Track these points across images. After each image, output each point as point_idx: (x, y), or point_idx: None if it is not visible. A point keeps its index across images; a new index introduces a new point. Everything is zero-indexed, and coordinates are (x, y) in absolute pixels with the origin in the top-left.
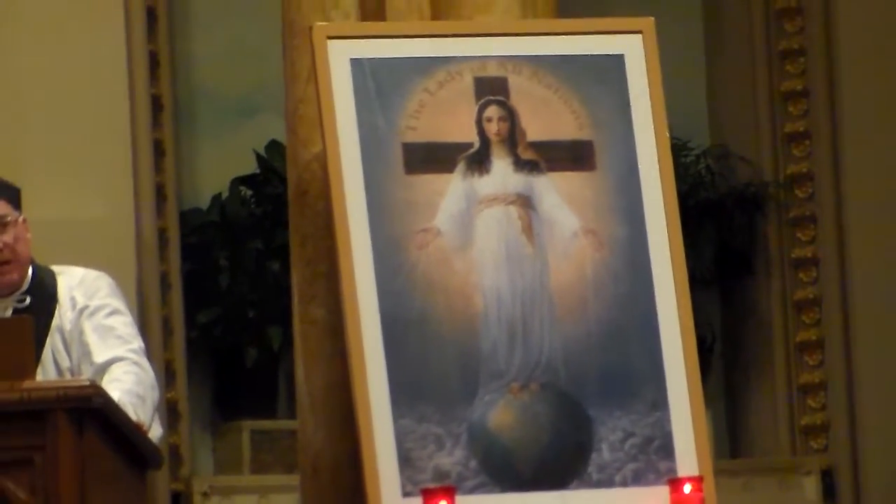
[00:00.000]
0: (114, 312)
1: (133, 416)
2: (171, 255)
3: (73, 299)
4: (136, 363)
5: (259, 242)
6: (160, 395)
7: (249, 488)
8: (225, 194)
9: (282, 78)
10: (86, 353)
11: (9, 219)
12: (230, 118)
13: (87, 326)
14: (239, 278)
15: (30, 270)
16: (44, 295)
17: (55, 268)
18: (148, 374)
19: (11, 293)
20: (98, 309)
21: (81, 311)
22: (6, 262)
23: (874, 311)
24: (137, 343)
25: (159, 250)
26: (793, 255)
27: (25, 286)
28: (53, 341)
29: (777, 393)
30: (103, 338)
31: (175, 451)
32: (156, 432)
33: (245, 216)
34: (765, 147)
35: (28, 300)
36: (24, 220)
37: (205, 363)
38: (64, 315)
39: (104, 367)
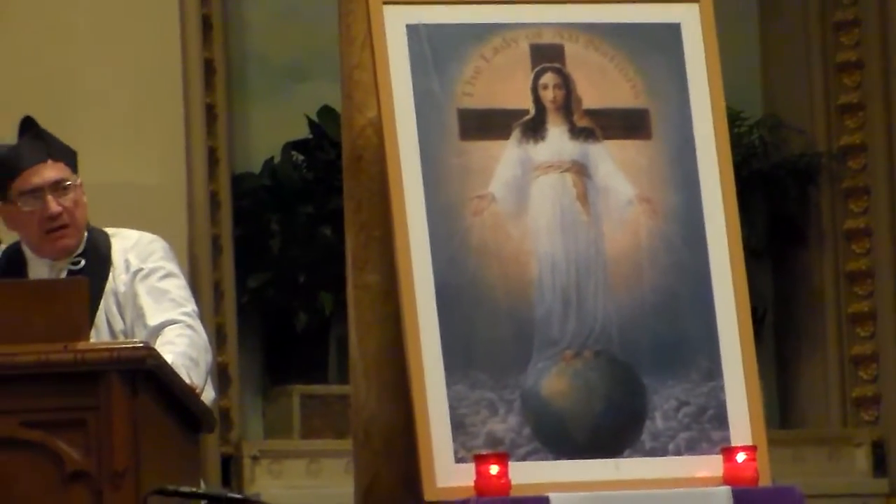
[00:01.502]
0: (168, 275)
1: (186, 378)
2: (222, 218)
3: (127, 262)
4: (189, 326)
5: (310, 207)
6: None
7: (299, 453)
8: (277, 159)
9: (334, 43)
10: (139, 315)
11: (68, 183)
12: (282, 83)
13: (141, 289)
14: (290, 243)
15: (85, 234)
16: (98, 257)
17: (109, 230)
18: (201, 337)
19: (66, 256)
20: (152, 271)
21: (135, 273)
22: (64, 227)
23: None
24: (191, 306)
25: (211, 214)
26: (845, 227)
27: (80, 249)
28: (107, 304)
29: (828, 364)
30: (157, 300)
31: (225, 415)
32: (208, 395)
33: (297, 181)
34: (818, 118)
35: (82, 263)
36: (81, 184)
37: (255, 327)
38: (118, 277)
39: (158, 330)
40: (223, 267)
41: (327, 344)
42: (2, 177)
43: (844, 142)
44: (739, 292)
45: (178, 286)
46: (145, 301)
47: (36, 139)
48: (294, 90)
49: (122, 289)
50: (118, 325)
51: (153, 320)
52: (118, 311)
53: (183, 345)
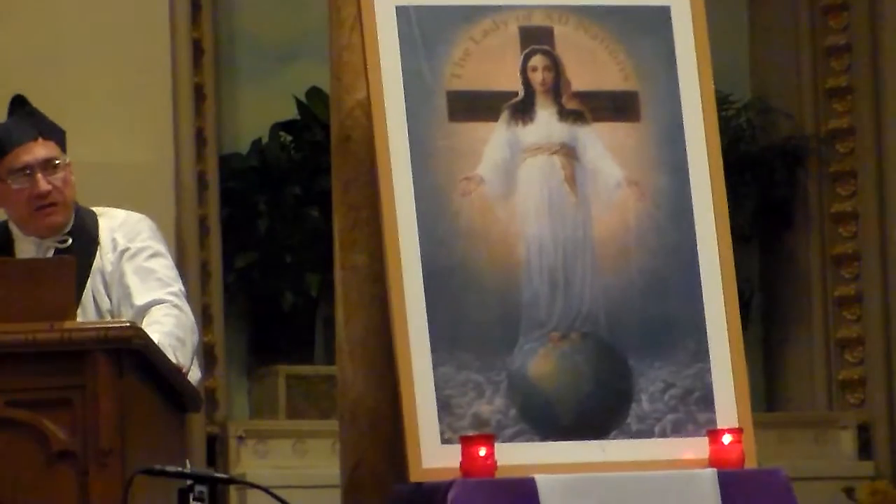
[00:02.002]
0: (155, 255)
1: (173, 358)
2: (210, 199)
3: (114, 241)
4: (176, 306)
5: (298, 188)
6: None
7: (284, 433)
8: (265, 139)
9: (323, 24)
10: (126, 294)
11: (58, 162)
12: (271, 63)
13: (128, 268)
14: (277, 223)
15: (73, 213)
16: (85, 237)
17: (97, 210)
18: (188, 317)
19: (53, 234)
20: (139, 251)
21: (122, 252)
22: (53, 204)
23: None
24: (178, 286)
25: (198, 194)
26: (832, 210)
27: (68, 228)
28: (94, 283)
29: (815, 347)
30: (144, 280)
31: (211, 395)
32: (194, 375)
33: (284, 161)
34: (806, 101)
35: (70, 241)
36: (70, 164)
37: (242, 308)
38: (105, 257)
39: (144, 310)
40: (210, 247)
41: (314, 325)
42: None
43: (832, 125)
44: (726, 275)
45: (164, 266)
46: (132, 280)
47: (27, 117)
48: (282, 71)
49: (108, 268)
50: (105, 304)
51: (140, 300)
52: (105, 290)
53: (169, 324)
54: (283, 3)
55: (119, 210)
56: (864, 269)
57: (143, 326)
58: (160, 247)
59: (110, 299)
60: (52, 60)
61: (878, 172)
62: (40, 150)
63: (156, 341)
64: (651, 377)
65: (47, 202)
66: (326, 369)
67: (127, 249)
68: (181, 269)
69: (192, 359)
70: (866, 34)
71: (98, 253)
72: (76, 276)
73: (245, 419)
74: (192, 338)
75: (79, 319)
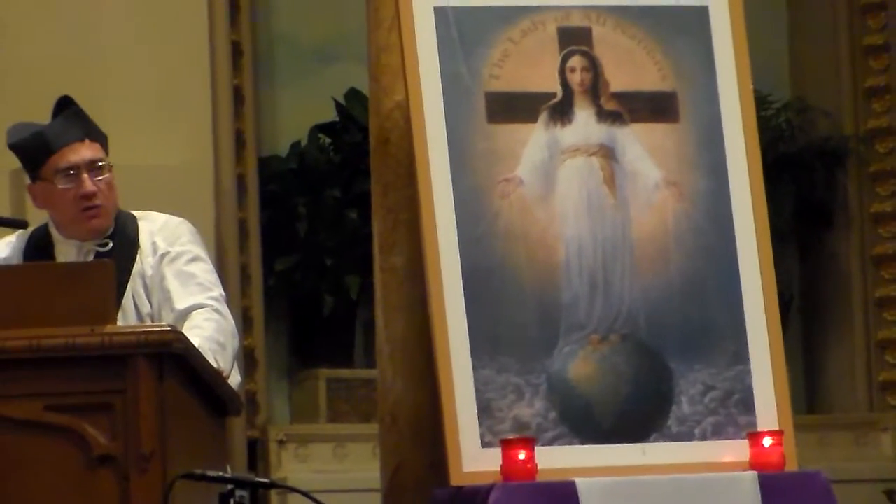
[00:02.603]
0: (195, 259)
1: (213, 362)
2: (249, 202)
3: (154, 245)
4: (217, 311)
5: (337, 190)
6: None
7: (325, 436)
8: (304, 142)
9: (362, 26)
10: (167, 299)
11: (103, 164)
12: (309, 65)
13: (169, 272)
14: (317, 226)
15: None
16: (125, 240)
17: (137, 213)
18: (228, 321)
19: (94, 238)
20: (179, 255)
21: (163, 256)
22: (96, 207)
23: None
24: (218, 291)
25: (238, 197)
26: (872, 210)
27: (108, 232)
28: (134, 286)
29: (855, 348)
30: (184, 284)
31: (252, 399)
32: (234, 380)
33: (324, 164)
34: (845, 101)
35: (110, 245)
36: (112, 168)
37: (282, 311)
38: (145, 260)
39: (185, 314)
40: (250, 250)
41: (354, 327)
42: (38, 153)
43: (872, 125)
44: (766, 276)
45: (205, 270)
46: (172, 285)
47: (73, 117)
48: (321, 72)
49: (149, 272)
50: (145, 308)
51: (181, 304)
52: (145, 294)
53: (210, 329)
54: (320, 4)
55: (159, 214)
56: None
57: (183, 331)
58: (200, 251)
59: (150, 303)
60: (92, 63)
61: None
62: (87, 150)
63: (196, 345)
64: (691, 379)
65: (92, 203)
66: (367, 372)
67: (167, 253)
68: (221, 272)
69: (233, 363)
70: None
71: (138, 257)
72: (116, 279)
73: (286, 423)
74: (232, 342)
75: (119, 323)
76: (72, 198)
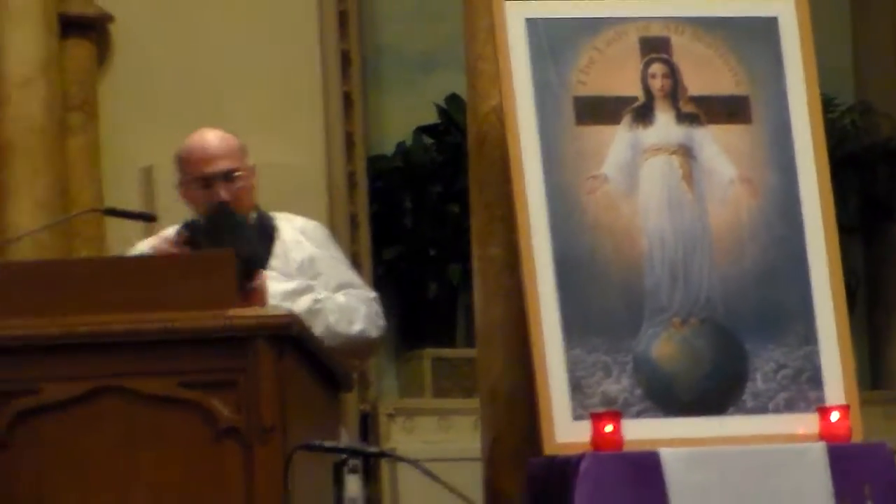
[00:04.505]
0: (342, 262)
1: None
2: (359, 197)
3: (299, 242)
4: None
5: (439, 187)
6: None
7: (431, 411)
8: (408, 142)
9: (460, 36)
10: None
11: (237, 173)
12: (412, 73)
13: (332, 278)
14: (421, 219)
15: (255, 212)
16: (267, 235)
17: (275, 213)
18: (374, 311)
19: None
20: (334, 259)
21: (312, 257)
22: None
23: None
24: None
25: (348, 193)
26: None
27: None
28: (274, 267)
29: None
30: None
31: (363, 376)
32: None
33: (427, 162)
34: None
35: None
36: (251, 169)
37: (389, 296)
38: (289, 254)
39: (339, 288)
40: (360, 241)
41: (455, 311)
42: (183, 162)
43: None
44: (833, 265)
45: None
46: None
47: (218, 134)
48: (423, 79)
49: (293, 263)
50: (280, 287)
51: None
52: (283, 275)
53: (343, 302)
54: (422, 16)
55: (293, 215)
56: None
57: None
58: (338, 252)
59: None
60: (217, 74)
61: None
62: (223, 161)
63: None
64: (765, 358)
65: None
66: (468, 352)
67: (318, 254)
68: None
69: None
70: None
71: (280, 248)
72: (259, 264)
73: (394, 398)
74: (358, 321)
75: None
76: (204, 203)
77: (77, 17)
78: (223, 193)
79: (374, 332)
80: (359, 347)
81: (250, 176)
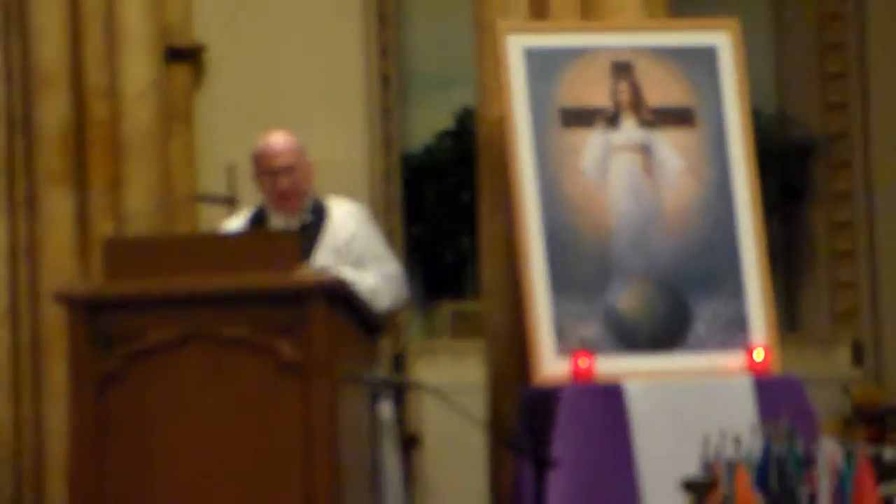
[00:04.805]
0: (377, 239)
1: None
2: (393, 186)
3: (345, 222)
4: (389, 274)
5: (455, 178)
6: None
7: (448, 350)
8: (432, 144)
9: (472, 62)
10: (360, 256)
11: (295, 166)
12: (435, 90)
13: (366, 252)
14: (441, 203)
15: (311, 200)
16: (319, 215)
17: (326, 199)
18: (396, 282)
19: (296, 214)
20: (366, 236)
21: (354, 234)
22: (290, 197)
23: (892, 229)
24: (393, 265)
25: (386, 183)
26: (832, 190)
27: (308, 207)
28: (326, 243)
29: (820, 287)
30: (374, 260)
31: (395, 325)
32: (382, 303)
33: (446, 160)
34: (814, 113)
35: (310, 218)
36: (308, 163)
37: (417, 262)
38: (337, 229)
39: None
40: (393, 221)
41: (466, 273)
42: (255, 159)
43: (833, 130)
44: (758, 237)
45: (386, 247)
46: (369, 252)
47: (282, 135)
48: (444, 95)
49: (341, 235)
50: (330, 260)
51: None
52: (333, 250)
53: (373, 280)
54: (443, 48)
55: (342, 199)
56: (855, 230)
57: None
58: (379, 235)
59: (340, 253)
60: (285, 91)
61: (865, 163)
62: (284, 157)
63: (360, 280)
64: (704, 308)
65: (286, 195)
66: (476, 305)
67: (361, 234)
68: None
69: (383, 301)
70: (857, 65)
71: (330, 226)
72: (314, 241)
73: (421, 340)
74: (387, 298)
75: (319, 261)
76: (269, 190)
77: (179, 48)
78: (283, 182)
79: (399, 304)
80: (387, 316)
81: (307, 170)
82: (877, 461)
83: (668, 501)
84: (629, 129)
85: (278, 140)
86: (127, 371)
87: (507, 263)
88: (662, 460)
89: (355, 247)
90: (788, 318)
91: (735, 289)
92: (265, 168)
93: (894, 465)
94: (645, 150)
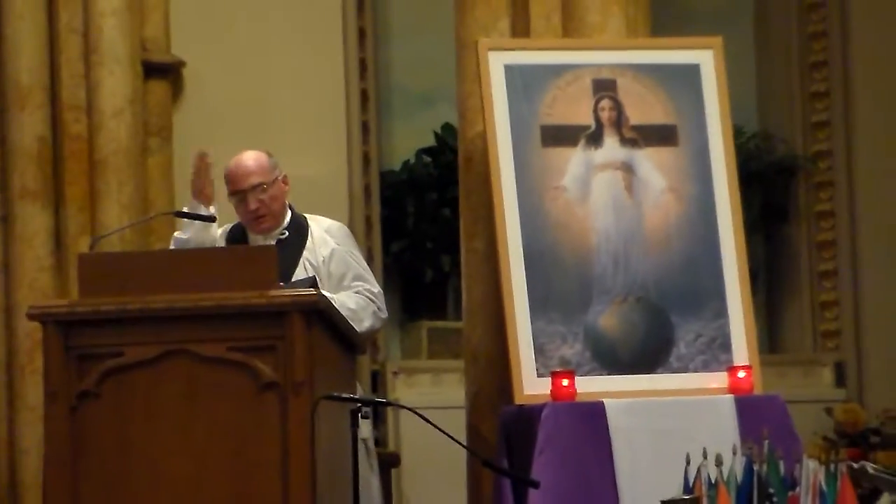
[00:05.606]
0: (356, 256)
1: (346, 312)
2: (372, 203)
3: (325, 240)
4: (369, 295)
5: (435, 195)
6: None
7: (426, 369)
8: (412, 160)
9: (453, 78)
10: (341, 275)
11: (264, 185)
12: (415, 107)
13: (348, 272)
14: (421, 220)
15: (288, 215)
16: (298, 232)
17: (306, 215)
18: (375, 305)
19: (272, 232)
20: (351, 257)
21: (332, 252)
22: (262, 217)
23: (875, 249)
24: (374, 287)
25: (364, 200)
26: (815, 209)
27: (285, 225)
28: (304, 263)
29: (803, 307)
30: (358, 278)
31: (374, 343)
32: (364, 325)
33: (426, 176)
34: (797, 132)
35: (286, 235)
36: (279, 179)
37: (395, 279)
38: (317, 248)
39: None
40: (373, 237)
41: (447, 292)
42: (225, 180)
43: (816, 149)
44: (740, 256)
45: (366, 270)
46: (349, 279)
47: (251, 155)
48: (424, 112)
49: (319, 258)
50: (310, 273)
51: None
52: (312, 268)
53: (354, 300)
54: (423, 63)
55: (322, 217)
56: (838, 251)
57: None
58: (357, 251)
59: (318, 274)
60: (263, 107)
61: (848, 182)
62: (253, 177)
63: (341, 301)
64: (686, 329)
65: (257, 215)
66: (456, 324)
67: (335, 250)
68: None
69: (363, 324)
70: (840, 83)
71: (309, 244)
72: (292, 258)
73: (398, 359)
74: (367, 319)
75: (298, 277)
76: (243, 212)
77: (157, 63)
78: (252, 203)
79: (377, 325)
80: (367, 335)
81: (279, 188)
82: (860, 477)
83: None
84: (611, 147)
85: (248, 160)
86: (102, 388)
87: (488, 282)
88: (643, 479)
89: (334, 265)
90: (771, 337)
91: (717, 308)
92: (234, 189)
93: (876, 487)
94: (627, 169)
